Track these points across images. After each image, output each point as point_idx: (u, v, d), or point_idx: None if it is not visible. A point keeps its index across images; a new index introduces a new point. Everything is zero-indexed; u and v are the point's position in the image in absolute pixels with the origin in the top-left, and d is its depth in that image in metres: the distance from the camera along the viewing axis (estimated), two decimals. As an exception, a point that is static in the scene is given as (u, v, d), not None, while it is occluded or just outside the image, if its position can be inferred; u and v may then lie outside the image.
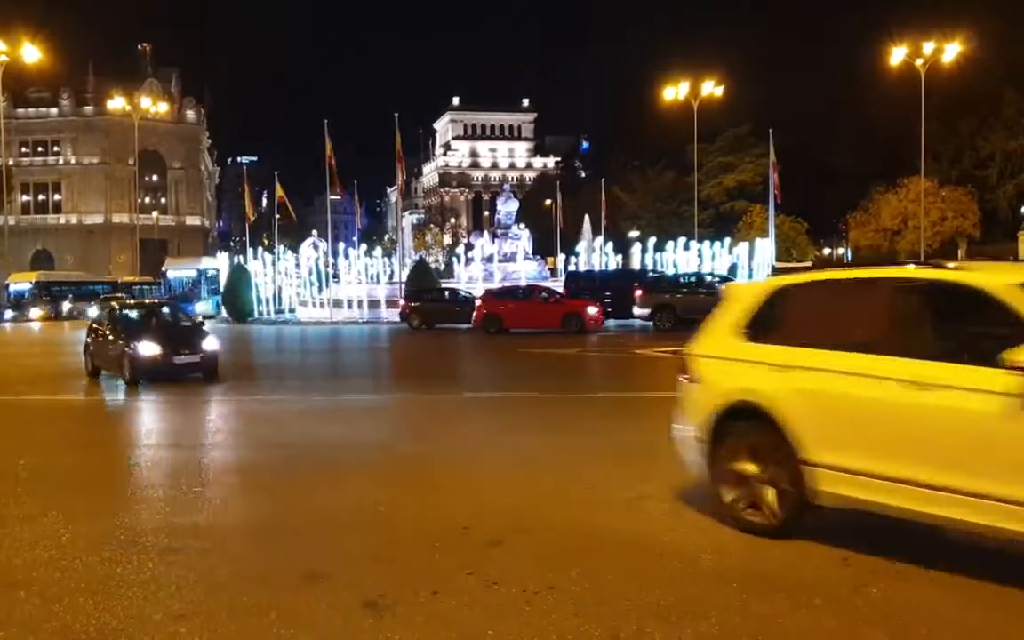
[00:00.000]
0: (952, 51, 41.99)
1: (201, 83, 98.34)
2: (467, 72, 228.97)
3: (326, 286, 45.89)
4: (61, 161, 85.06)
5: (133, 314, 18.77)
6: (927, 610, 4.62)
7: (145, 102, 70.43)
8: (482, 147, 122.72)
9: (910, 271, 5.99)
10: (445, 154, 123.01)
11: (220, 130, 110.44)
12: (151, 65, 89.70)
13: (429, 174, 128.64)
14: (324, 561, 5.64)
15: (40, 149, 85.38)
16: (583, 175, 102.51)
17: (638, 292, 29.37)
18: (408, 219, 73.61)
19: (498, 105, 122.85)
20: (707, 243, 45.28)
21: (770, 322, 6.26)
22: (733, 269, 41.65)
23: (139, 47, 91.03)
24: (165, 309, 20.36)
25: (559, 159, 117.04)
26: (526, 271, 44.07)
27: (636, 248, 49.89)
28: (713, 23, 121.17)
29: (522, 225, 49.79)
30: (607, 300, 31.50)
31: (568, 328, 28.17)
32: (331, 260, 49.89)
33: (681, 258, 44.62)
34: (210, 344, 16.73)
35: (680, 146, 61.72)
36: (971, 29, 44.80)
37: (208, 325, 22.39)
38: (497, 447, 9.79)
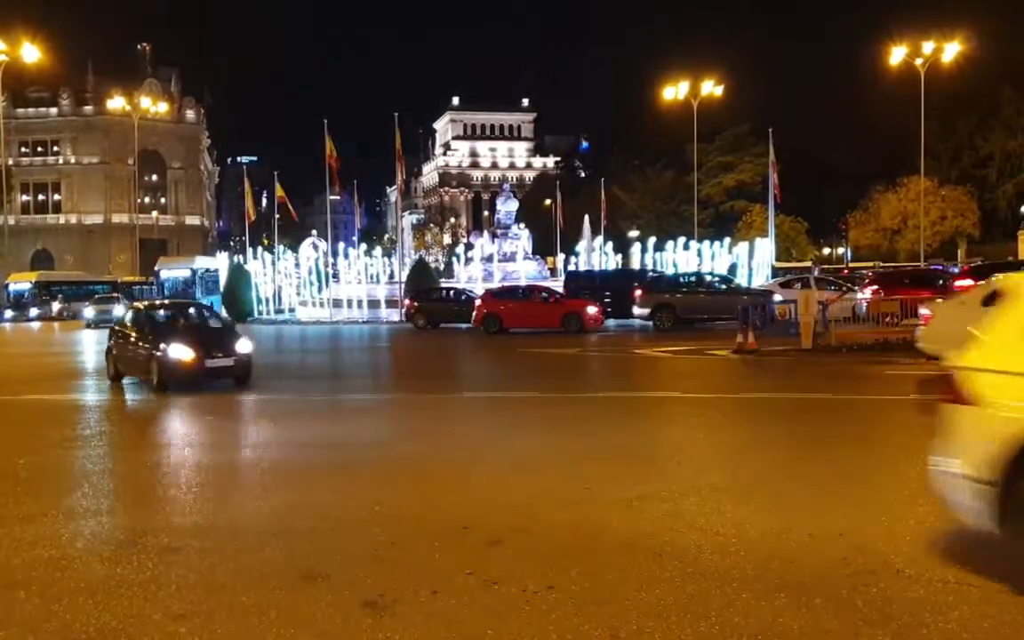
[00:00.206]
0: (952, 51, 42.01)
1: (201, 83, 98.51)
2: (467, 72, 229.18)
3: (326, 286, 45.89)
4: (61, 161, 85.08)
5: (160, 315, 17.60)
6: (927, 610, 4.62)
7: (145, 102, 70.50)
8: (482, 147, 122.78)
9: None
10: (445, 154, 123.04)
11: (220, 130, 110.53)
12: (151, 65, 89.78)
13: (429, 174, 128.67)
14: (324, 561, 5.63)
15: (40, 149, 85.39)
16: (583, 175, 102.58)
17: (638, 292, 29.34)
18: (408, 219, 73.68)
19: (498, 105, 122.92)
20: (707, 243, 45.27)
21: None
22: (733, 269, 41.66)
23: (139, 47, 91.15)
24: (193, 309, 19.42)
25: (559, 159, 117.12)
26: (526, 271, 44.05)
27: (636, 248, 49.87)
28: (713, 23, 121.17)
29: (522, 225, 49.77)
30: (607, 300, 31.47)
31: (568, 328, 28.17)
32: (331, 260, 49.87)
33: (681, 258, 44.61)
34: (243, 347, 15.60)
35: (680, 146, 61.76)
36: (970, 29, 44.85)
37: None
38: (497, 447, 9.78)
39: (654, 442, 9.86)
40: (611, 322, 31.46)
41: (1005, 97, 58.35)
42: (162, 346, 14.93)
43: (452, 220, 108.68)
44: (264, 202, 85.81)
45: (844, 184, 64.59)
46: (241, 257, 54.28)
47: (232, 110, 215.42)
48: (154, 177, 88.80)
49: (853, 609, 4.65)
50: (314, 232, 68.54)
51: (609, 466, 8.41)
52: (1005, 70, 55.39)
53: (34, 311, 52.35)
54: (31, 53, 46.84)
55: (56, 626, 4.66)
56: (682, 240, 46.10)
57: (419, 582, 5.17)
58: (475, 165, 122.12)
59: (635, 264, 46.82)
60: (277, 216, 56.88)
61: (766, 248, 45.08)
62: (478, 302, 31.03)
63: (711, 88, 50.32)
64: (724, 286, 30.12)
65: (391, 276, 47.13)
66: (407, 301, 36.24)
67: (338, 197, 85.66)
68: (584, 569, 5.33)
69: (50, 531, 6.50)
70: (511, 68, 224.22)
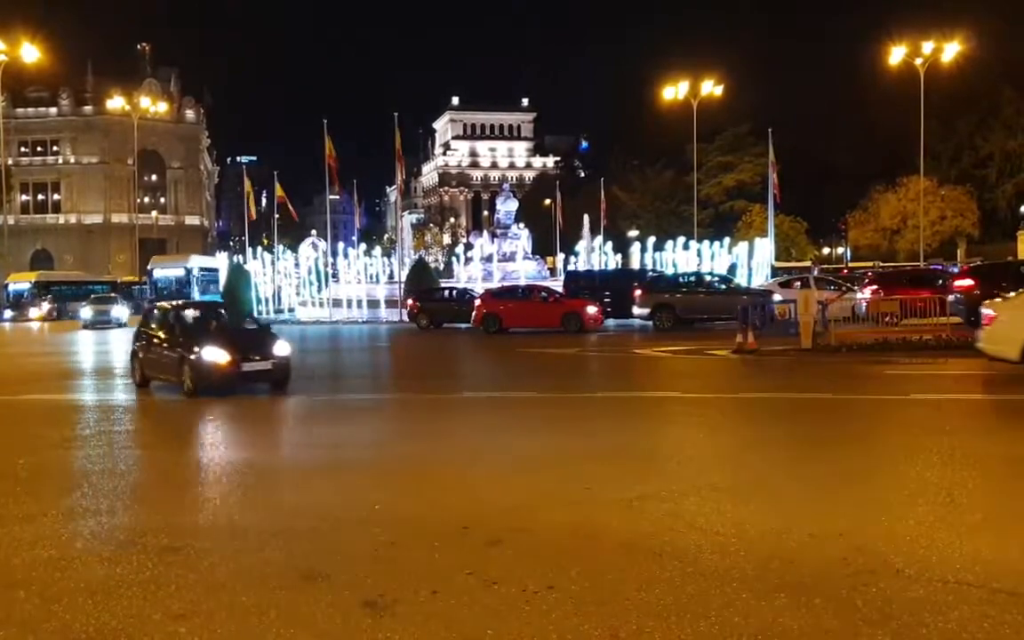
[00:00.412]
0: (951, 51, 42.02)
1: (200, 83, 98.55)
2: (467, 72, 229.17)
3: (325, 286, 45.90)
4: (60, 161, 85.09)
5: (191, 315, 16.75)
6: (927, 610, 4.62)
7: (144, 102, 70.52)
8: (481, 147, 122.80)
9: None
10: (444, 154, 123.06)
11: (219, 130, 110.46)
12: (150, 65, 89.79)
13: (428, 174, 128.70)
14: (323, 561, 5.63)
15: (39, 149, 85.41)
16: (582, 175, 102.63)
17: (637, 292, 29.33)
18: (407, 219, 73.61)
19: (498, 105, 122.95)
20: (706, 243, 45.28)
21: None
22: (732, 268, 41.68)
23: (138, 47, 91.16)
24: (223, 309, 18.75)
25: (558, 159, 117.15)
26: (525, 271, 44.07)
27: (635, 247, 49.88)
28: (713, 23, 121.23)
29: (521, 225, 49.79)
30: (606, 300, 31.47)
31: (567, 328, 28.16)
32: (330, 260, 49.86)
33: (680, 258, 44.62)
34: (281, 349, 14.67)
35: (679, 145, 61.77)
36: (970, 29, 44.87)
37: None
38: (496, 447, 9.78)
39: (654, 442, 9.86)
40: (611, 322, 31.46)
41: (1005, 97, 58.39)
42: (195, 349, 14.05)
43: (452, 220, 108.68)
44: (264, 202, 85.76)
45: (844, 184, 64.62)
46: (241, 257, 54.27)
47: (232, 110, 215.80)
48: (154, 177, 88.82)
49: (853, 609, 4.65)
50: (314, 232, 68.59)
51: (609, 466, 8.41)
52: (1005, 70, 55.42)
53: (33, 311, 52.37)
54: (31, 53, 46.84)
55: (56, 626, 4.66)
56: (682, 240, 46.11)
57: (419, 582, 5.17)
58: (475, 165, 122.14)
59: (635, 264, 46.83)
60: (277, 216, 56.91)
61: (766, 248, 45.09)
62: (477, 302, 31.03)
63: (711, 88, 50.32)
64: (724, 286, 30.12)
65: (391, 276, 47.13)
66: (410, 301, 36.21)
67: (337, 197, 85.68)
68: (584, 569, 5.33)
69: (49, 530, 6.50)
70: (511, 68, 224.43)
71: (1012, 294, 14.81)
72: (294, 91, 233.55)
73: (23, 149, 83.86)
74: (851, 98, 64.14)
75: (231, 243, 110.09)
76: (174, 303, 20.86)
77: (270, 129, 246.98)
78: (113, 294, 48.00)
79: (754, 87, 64.67)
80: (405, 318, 37.48)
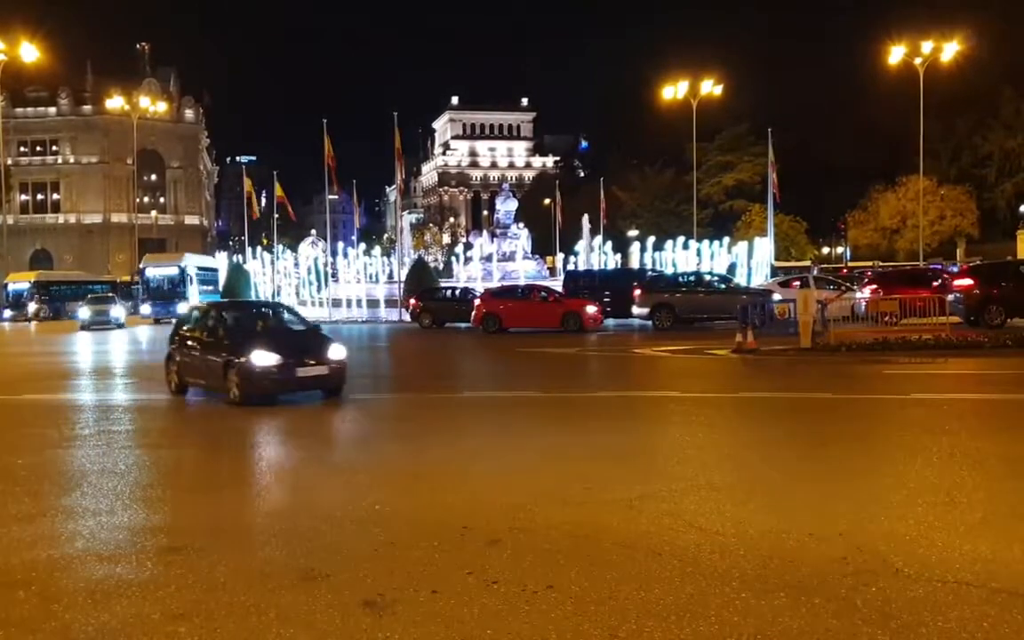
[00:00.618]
0: (951, 50, 42.04)
1: (200, 82, 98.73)
2: (467, 72, 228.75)
3: (325, 285, 45.91)
4: (60, 160, 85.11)
5: (236, 316, 15.49)
6: (927, 610, 4.62)
7: (144, 101, 70.49)
8: (481, 146, 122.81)
9: None
10: (444, 153, 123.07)
11: (219, 129, 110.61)
12: (150, 64, 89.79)
13: (428, 173, 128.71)
14: (323, 560, 5.63)
15: (39, 148, 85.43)
16: (582, 174, 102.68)
17: (637, 291, 29.35)
18: (407, 218, 73.57)
19: (497, 104, 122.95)
20: (706, 242, 45.30)
21: None
22: (732, 268, 41.70)
23: (138, 46, 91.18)
24: (270, 310, 17.47)
25: (558, 158, 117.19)
26: (525, 270, 44.12)
27: (635, 247, 49.94)
28: (712, 23, 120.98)
29: (521, 224, 49.85)
30: (606, 299, 31.50)
31: (567, 327, 28.18)
32: (330, 259, 49.87)
33: (680, 257, 44.66)
34: (337, 352, 13.53)
35: (679, 145, 61.78)
36: (969, 28, 44.90)
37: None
38: (496, 446, 9.78)
39: (653, 442, 9.86)
40: (610, 322, 31.47)
41: (1004, 97, 58.44)
42: (243, 353, 12.81)
43: (451, 219, 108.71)
44: (263, 201, 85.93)
45: (843, 183, 64.65)
46: (240, 257, 54.22)
47: (231, 110, 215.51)
48: (153, 177, 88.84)
49: (853, 608, 4.65)
50: (313, 232, 68.61)
51: (609, 465, 8.40)
52: (1004, 70, 55.46)
53: (33, 311, 52.42)
54: (30, 52, 46.80)
55: (56, 626, 4.66)
56: (681, 239, 46.15)
57: (419, 582, 5.17)
58: (474, 165, 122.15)
59: (634, 263, 46.89)
60: (276, 216, 56.89)
61: (765, 247, 45.11)
62: (477, 302, 31.04)
63: (710, 87, 50.33)
64: (723, 285, 30.13)
65: (390, 276, 47.16)
66: (412, 301, 36.21)
67: (337, 197, 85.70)
68: (584, 569, 5.33)
69: (49, 530, 6.50)
70: (511, 68, 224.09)
71: None
72: (294, 91, 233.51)
73: (22, 149, 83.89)
74: (851, 98, 64.21)
75: (231, 243, 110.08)
76: (217, 302, 19.74)
77: (269, 129, 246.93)
78: (111, 294, 47.24)
79: (754, 87, 64.75)
80: (405, 317, 37.50)
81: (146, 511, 7.18)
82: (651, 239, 48.49)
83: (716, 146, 71.07)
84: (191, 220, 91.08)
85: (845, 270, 45.87)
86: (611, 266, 47.91)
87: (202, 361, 13.88)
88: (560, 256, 54.27)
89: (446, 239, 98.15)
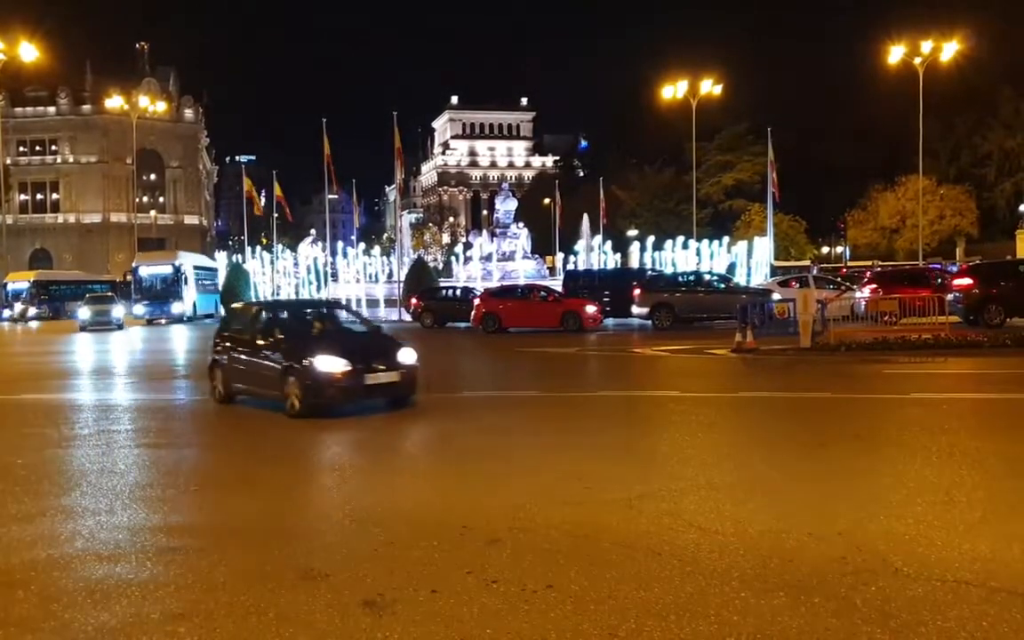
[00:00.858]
0: (950, 50, 42.02)
1: (199, 82, 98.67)
2: (467, 72, 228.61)
3: (324, 285, 45.92)
4: (59, 160, 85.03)
5: (290, 316, 14.27)
6: (926, 609, 4.62)
7: (143, 101, 70.39)
8: (481, 146, 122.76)
9: None
10: (444, 153, 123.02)
11: (218, 129, 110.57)
12: (149, 64, 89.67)
13: (428, 173, 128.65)
14: (323, 560, 5.63)
15: (38, 148, 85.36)
16: (581, 174, 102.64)
17: (636, 291, 29.35)
18: (406, 218, 73.69)
19: (497, 104, 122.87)
20: (705, 242, 45.33)
21: None
22: (732, 268, 41.75)
23: (137, 46, 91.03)
24: (326, 309, 16.10)
25: (557, 158, 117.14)
26: (524, 270, 44.18)
27: (635, 247, 50.03)
28: (712, 23, 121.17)
29: (521, 224, 49.88)
30: (606, 299, 31.50)
31: (567, 327, 28.18)
32: (329, 259, 49.87)
33: (680, 257, 44.71)
34: (407, 356, 12.26)
35: (679, 145, 61.80)
36: (969, 28, 44.89)
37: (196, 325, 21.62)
38: (495, 446, 9.78)
39: (653, 441, 9.86)
40: (610, 321, 31.47)
41: (1003, 96, 58.47)
42: (305, 357, 11.53)
43: (451, 219, 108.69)
44: (263, 201, 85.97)
45: (843, 183, 64.69)
46: (240, 256, 54.18)
47: (231, 109, 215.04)
48: (152, 176, 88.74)
49: (852, 608, 4.65)
50: (312, 231, 68.60)
51: (608, 465, 8.41)
52: (1004, 69, 55.50)
53: (32, 310, 52.41)
54: (29, 52, 46.72)
55: (55, 625, 4.66)
56: (681, 239, 46.19)
57: (418, 581, 5.17)
58: (474, 164, 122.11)
59: (634, 263, 46.99)
60: (276, 215, 56.90)
61: (765, 247, 45.16)
62: (477, 301, 31.04)
63: (710, 87, 50.31)
64: (723, 285, 30.14)
65: (390, 275, 47.21)
66: (414, 300, 36.21)
67: (336, 196, 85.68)
68: (583, 568, 5.34)
69: (48, 530, 6.49)
70: (511, 68, 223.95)
71: None
72: (293, 91, 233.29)
73: (22, 148, 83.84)
74: (850, 97, 64.26)
75: (230, 242, 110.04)
76: (271, 301, 19.05)
77: (269, 129, 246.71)
78: (111, 294, 46.11)
79: (753, 86, 64.82)
80: (405, 317, 37.49)
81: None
82: (651, 239, 48.55)
83: (716, 146, 71.10)
84: (190, 220, 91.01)
85: (844, 270, 45.89)
86: (611, 266, 47.95)
87: (255, 366, 12.51)
88: (560, 256, 54.33)
89: (446, 239, 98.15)
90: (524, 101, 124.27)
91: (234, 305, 17.89)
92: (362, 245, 53.41)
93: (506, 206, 49.46)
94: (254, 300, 17.63)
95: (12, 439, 11.12)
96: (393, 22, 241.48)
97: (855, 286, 27.92)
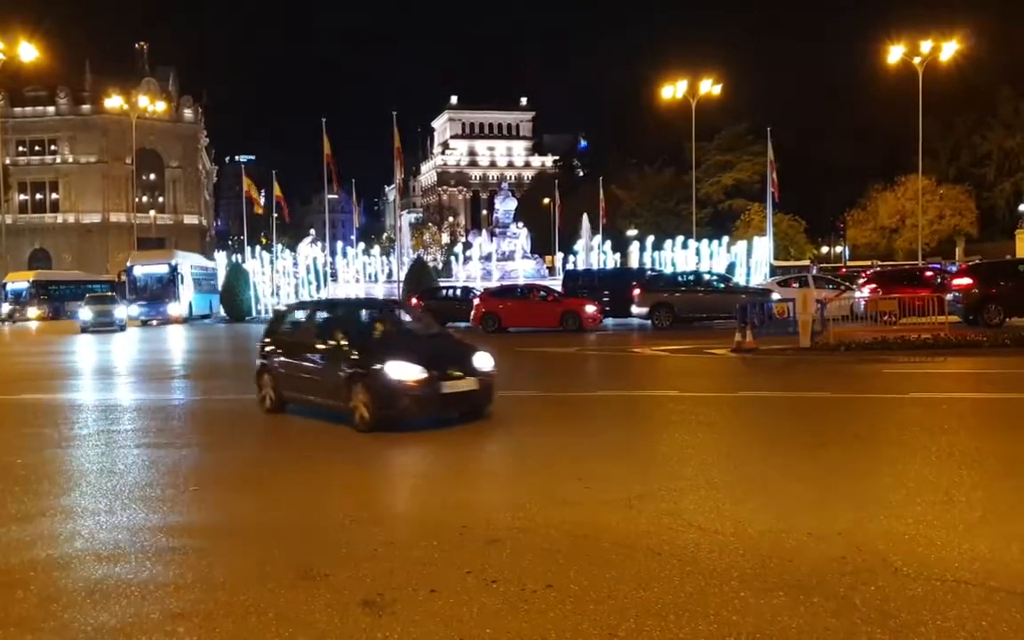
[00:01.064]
0: (950, 49, 42.04)
1: (199, 82, 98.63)
2: (466, 71, 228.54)
3: (324, 285, 45.89)
4: (58, 160, 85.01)
5: (352, 317, 12.95)
6: (925, 609, 4.62)
7: (143, 101, 70.36)
8: (480, 146, 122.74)
9: None
10: (443, 153, 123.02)
11: (218, 129, 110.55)
12: (148, 64, 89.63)
13: (427, 173, 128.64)
14: (322, 560, 5.63)
15: (37, 148, 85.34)
16: (581, 174, 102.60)
17: (636, 291, 29.36)
18: (406, 218, 73.52)
19: (496, 104, 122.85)
20: (705, 241, 45.30)
21: None
22: (731, 267, 41.73)
23: (136, 46, 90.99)
24: (383, 309, 14.95)
25: (557, 158, 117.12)
26: (524, 270, 44.16)
27: (634, 247, 49.97)
28: (712, 23, 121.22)
29: (520, 223, 49.83)
30: (605, 299, 31.51)
31: (566, 327, 28.18)
32: (329, 259, 49.83)
33: (679, 256, 44.67)
34: (484, 362, 11.01)
35: (678, 144, 61.81)
36: (968, 27, 44.89)
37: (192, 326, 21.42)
38: (495, 446, 9.78)
39: (652, 441, 9.86)
40: (609, 321, 31.48)
41: (1003, 96, 58.45)
42: (375, 363, 10.32)
43: (450, 219, 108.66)
44: (262, 201, 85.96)
45: (842, 183, 64.68)
46: (239, 256, 54.10)
47: (230, 109, 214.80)
48: (152, 176, 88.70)
49: (852, 608, 4.65)
50: (312, 231, 68.57)
51: (608, 465, 8.41)
52: (1003, 69, 55.48)
53: (32, 311, 52.43)
54: (28, 52, 46.68)
55: (54, 625, 4.66)
56: (680, 239, 46.16)
57: (418, 581, 5.17)
58: (473, 164, 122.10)
59: (633, 263, 46.94)
60: (275, 215, 56.88)
61: (764, 247, 45.15)
62: (476, 301, 31.05)
63: (709, 87, 50.34)
64: (722, 285, 30.15)
65: (389, 275, 47.19)
66: (414, 300, 36.20)
67: (336, 196, 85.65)
68: (583, 568, 5.34)
69: (48, 530, 6.49)
70: (511, 68, 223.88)
71: None
72: (293, 91, 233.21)
73: (21, 148, 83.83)
74: (849, 97, 64.27)
75: (229, 242, 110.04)
76: (327, 299, 16.78)
77: (269, 129, 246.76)
78: (112, 294, 44.53)
79: (753, 86, 64.85)
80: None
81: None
82: (650, 238, 48.49)
83: (715, 145, 71.09)
84: (190, 220, 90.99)
85: (843, 270, 45.90)
86: (610, 265, 47.91)
87: (313, 372, 11.37)
88: (559, 255, 54.27)
89: (445, 238, 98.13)
90: (524, 101, 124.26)
91: (284, 303, 16.76)
92: (362, 245, 53.38)
93: (506, 206, 49.43)
94: (308, 299, 16.36)
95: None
96: (393, 22, 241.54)
97: (854, 286, 27.94)
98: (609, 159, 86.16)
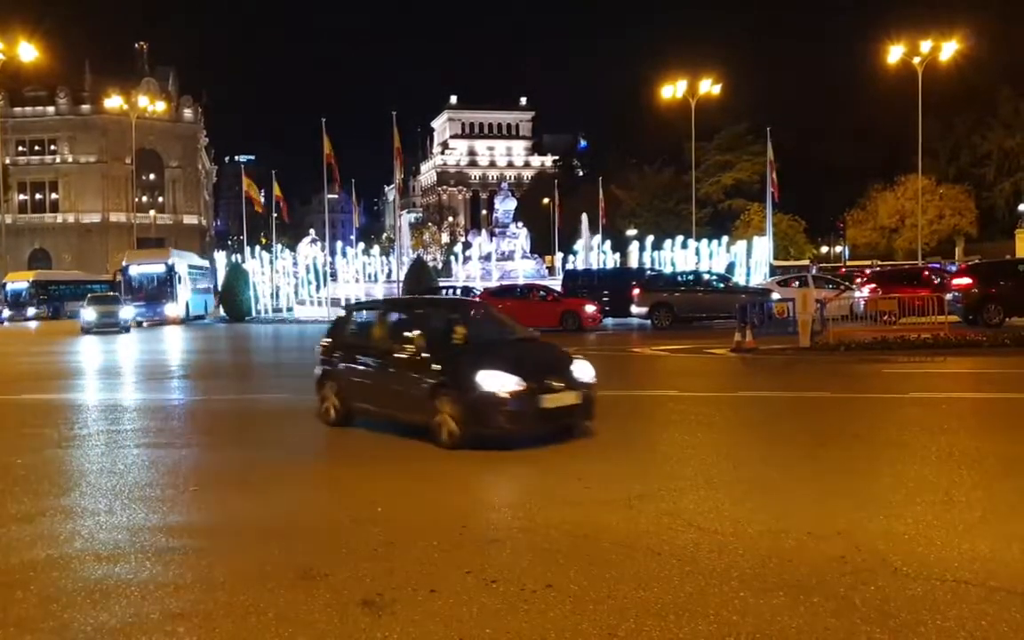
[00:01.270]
0: (949, 49, 42.03)
1: (199, 82, 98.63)
2: (466, 71, 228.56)
3: (323, 285, 45.84)
4: (58, 160, 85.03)
5: (434, 318, 11.20)
6: (925, 608, 4.62)
7: (142, 101, 70.38)
8: (480, 146, 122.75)
9: None
10: (443, 152, 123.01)
11: (218, 129, 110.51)
12: (148, 63, 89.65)
13: (427, 173, 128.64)
14: (322, 560, 5.63)
15: (37, 148, 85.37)
16: (581, 173, 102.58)
17: (636, 291, 29.36)
18: (406, 218, 73.44)
19: (496, 104, 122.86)
20: (705, 241, 45.30)
21: None
22: (731, 267, 41.72)
23: (136, 45, 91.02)
24: (468, 310, 13.02)
25: (557, 157, 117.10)
26: (524, 269, 44.14)
27: (634, 246, 49.95)
28: (712, 23, 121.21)
29: (520, 223, 49.79)
30: (605, 299, 31.50)
31: (566, 327, 28.17)
32: (329, 259, 49.79)
33: (679, 256, 44.67)
34: (583, 371, 9.74)
35: (678, 144, 61.80)
36: (968, 28, 44.89)
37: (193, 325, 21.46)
38: (494, 445, 9.77)
39: (652, 441, 9.86)
40: (609, 321, 31.48)
41: (1003, 96, 58.44)
42: (468, 372, 9.16)
43: (450, 219, 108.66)
44: (262, 199, 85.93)
45: (842, 183, 64.68)
46: (239, 256, 54.07)
47: (230, 109, 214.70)
48: (151, 176, 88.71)
49: (851, 607, 4.65)
50: (312, 231, 68.48)
51: (607, 465, 8.40)
52: (1003, 69, 55.48)
53: (31, 311, 52.43)
54: (28, 52, 46.66)
55: (54, 625, 4.66)
56: (680, 239, 46.16)
57: (417, 581, 5.17)
58: (473, 164, 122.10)
59: (633, 263, 46.93)
60: (275, 215, 56.87)
61: (764, 247, 45.15)
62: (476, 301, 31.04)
63: (709, 87, 50.34)
64: (722, 285, 30.16)
65: (389, 275, 47.13)
66: None
67: (336, 196, 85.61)
68: (582, 568, 5.33)
69: (48, 530, 6.49)
70: (511, 68, 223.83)
71: None
72: (293, 91, 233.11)
73: (21, 148, 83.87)
74: (849, 97, 64.25)
75: (229, 242, 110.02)
76: (405, 298, 15.12)
77: (269, 129, 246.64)
78: (116, 294, 42.70)
79: (753, 86, 64.84)
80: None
81: None
82: (650, 238, 48.48)
83: (715, 145, 71.11)
84: (189, 220, 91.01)
85: (843, 269, 45.92)
86: (610, 265, 47.91)
87: (388, 381, 10.16)
88: (559, 255, 54.26)
89: (445, 238, 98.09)
90: (523, 101, 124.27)
91: (352, 302, 15.27)
92: (361, 245, 53.33)
93: (505, 206, 49.40)
94: (381, 298, 14.17)
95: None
96: (393, 22, 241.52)
97: (854, 285, 27.95)
98: (609, 159, 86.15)
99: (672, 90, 50.88)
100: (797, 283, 28.35)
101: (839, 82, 66.30)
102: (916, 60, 41.96)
